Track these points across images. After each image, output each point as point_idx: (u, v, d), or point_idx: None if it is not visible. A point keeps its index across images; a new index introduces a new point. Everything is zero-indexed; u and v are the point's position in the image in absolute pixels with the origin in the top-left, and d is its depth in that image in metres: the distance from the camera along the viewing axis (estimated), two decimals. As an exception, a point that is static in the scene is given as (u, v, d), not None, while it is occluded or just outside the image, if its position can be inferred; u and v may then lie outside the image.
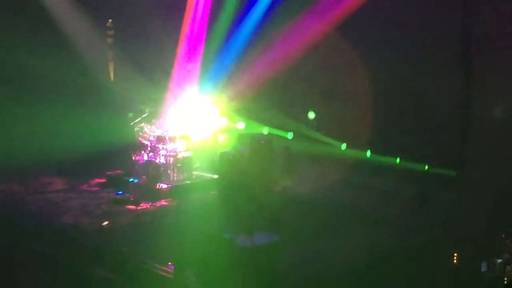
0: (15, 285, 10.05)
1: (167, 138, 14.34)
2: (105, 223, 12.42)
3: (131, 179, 14.09)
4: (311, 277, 10.48)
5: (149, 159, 14.27)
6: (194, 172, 14.53)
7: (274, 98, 15.33)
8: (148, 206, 13.36)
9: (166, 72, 15.89)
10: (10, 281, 10.06)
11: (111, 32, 16.10)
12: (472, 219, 12.23)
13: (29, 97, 14.67)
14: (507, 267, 10.28)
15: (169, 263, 10.55)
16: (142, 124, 15.02)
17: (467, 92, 14.17)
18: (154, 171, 14.15)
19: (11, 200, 13.36)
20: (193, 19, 15.50)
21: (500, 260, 10.36)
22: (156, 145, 14.31)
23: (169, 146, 14.34)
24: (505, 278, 9.94)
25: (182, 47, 15.77)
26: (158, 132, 14.58)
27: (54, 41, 15.16)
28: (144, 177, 14.07)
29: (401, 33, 14.51)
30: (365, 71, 14.79)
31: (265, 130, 14.74)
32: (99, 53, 16.17)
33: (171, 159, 14.27)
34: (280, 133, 14.84)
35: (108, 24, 16.02)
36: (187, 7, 15.47)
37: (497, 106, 13.79)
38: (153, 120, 15.08)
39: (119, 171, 14.63)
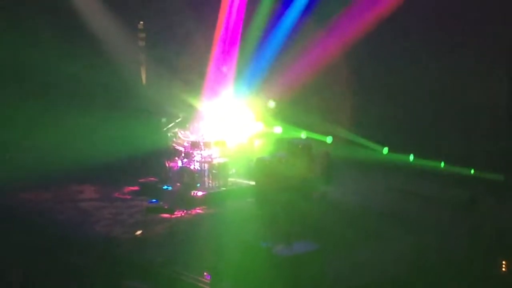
0: None
1: (201, 143, 14.27)
2: (139, 232, 12.26)
3: (165, 187, 14.11)
4: (355, 283, 10.42)
5: (184, 165, 14.23)
6: (230, 179, 14.47)
7: (312, 101, 15.27)
8: (183, 214, 13.25)
9: (200, 75, 15.81)
10: None
11: (143, 35, 16.16)
12: None
13: (60, 102, 14.62)
14: None
15: (205, 273, 10.44)
16: (176, 130, 14.90)
17: None
18: (189, 178, 14.12)
19: (41, 209, 13.26)
20: (228, 19, 15.44)
21: None
22: (191, 151, 14.25)
23: (204, 152, 14.28)
24: None
25: (216, 49, 15.68)
26: (192, 138, 14.52)
27: (85, 45, 15.22)
28: (178, 184, 14.07)
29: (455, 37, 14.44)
30: (409, 72, 14.74)
31: (303, 135, 14.59)
32: (131, 56, 16.27)
33: (206, 165, 14.22)
34: (319, 137, 14.74)
35: (139, 26, 16.06)
36: (221, 7, 15.40)
37: None
38: (187, 125, 15.00)
39: (152, 178, 14.61)
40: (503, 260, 10.56)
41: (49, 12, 15.23)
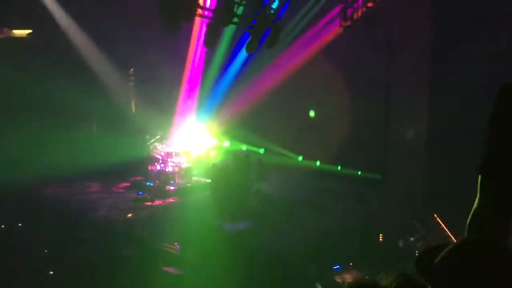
0: (63, 259, 10.52)
1: (173, 153, 14.84)
2: (129, 215, 12.94)
3: (148, 183, 14.62)
4: (275, 251, 10.95)
5: (161, 169, 14.68)
6: (193, 178, 14.90)
7: (250, 123, 15.26)
8: (161, 202, 13.80)
9: (173, 105, 16.34)
10: (60, 257, 10.62)
11: (132, 78, 16.42)
12: (393, 210, 12.58)
13: (75, 124, 14.80)
14: (418, 243, 10.83)
15: (176, 244, 11.10)
16: (156, 144, 15.42)
17: (388, 119, 14.29)
18: (165, 177, 14.59)
19: (61, 199, 13.76)
20: (192, 68, 16.09)
21: (413, 238, 11.09)
22: (166, 159, 14.72)
23: (175, 159, 14.76)
24: (416, 252, 10.23)
25: (184, 88, 16.31)
26: (167, 149, 15.01)
27: (90, 82, 15.41)
28: (157, 181, 14.56)
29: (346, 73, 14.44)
30: (316, 103, 15.05)
31: (244, 147, 14.99)
32: (124, 92, 16.45)
33: (177, 168, 14.67)
34: (255, 149, 15.07)
35: (130, 72, 16.31)
36: (187, 58, 16.00)
37: (408, 129, 13.87)
38: (163, 141, 15.49)
39: (139, 178, 15.00)
40: (380, 234, 11.61)
41: (62, 61, 15.49)
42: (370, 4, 12.31)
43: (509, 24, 11.13)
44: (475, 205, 2.70)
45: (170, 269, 10.31)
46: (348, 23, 12.59)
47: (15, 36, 16.28)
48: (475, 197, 2.73)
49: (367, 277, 9.85)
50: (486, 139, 2.67)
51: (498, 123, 2.68)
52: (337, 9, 12.92)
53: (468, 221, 2.66)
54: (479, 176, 2.68)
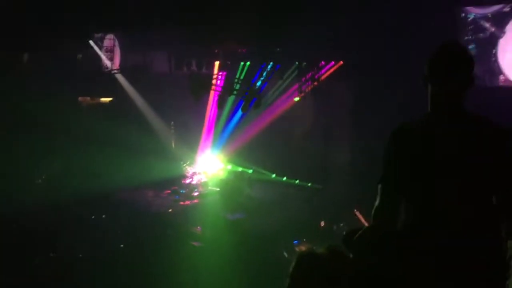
0: (133, 237, 10.28)
1: (197, 172, 14.93)
2: (170, 210, 12.89)
3: (181, 191, 14.37)
4: (258, 232, 10.90)
5: (189, 182, 14.66)
6: (209, 188, 14.71)
7: (245, 154, 15.13)
8: (189, 203, 13.63)
9: (197, 143, 16.19)
10: (132, 235, 10.39)
11: (173, 127, 16.43)
12: (330, 207, 12.37)
13: (136, 153, 14.30)
14: (345, 227, 10.31)
15: (198, 226, 11.36)
16: (186, 166, 15.44)
17: (326, 148, 13.92)
18: (191, 187, 14.47)
19: (130, 200, 13.53)
20: (209, 121, 16.14)
21: (342, 224, 10.80)
22: (192, 176, 14.80)
23: (198, 176, 14.82)
24: (344, 232, 10.16)
25: (204, 133, 16.23)
26: (193, 170, 15.12)
27: (147, 130, 15.46)
28: (187, 189, 14.39)
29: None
30: (283, 140, 14.63)
31: (240, 169, 14.84)
32: (167, 135, 16.46)
33: (199, 182, 14.70)
34: (247, 170, 14.89)
35: (171, 124, 16.39)
36: (206, 115, 16.04)
37: (340, 153, 13.64)
38: (191, 164, 15.52)
39: (176, 187, 14.75)
40: (322, 221, 11.46)
41: (130, 116, 15.68)
42: (315, 83, 12.53)
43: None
44: (376, 204, 2.75)
45: (195, 243, 10.46)
46: (302, 94, 12.88)
47: (102, 101, 16.53)
48: (376, 199, 2.77)
49: (314, 247, 9.88)
50: (383, 164, 2.73)
51: (388, 155, 2.71)
52: (295, 86, 13.07)
53: (372, 214, 2.74)
54: (379, 185, 2.74)
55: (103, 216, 11.91)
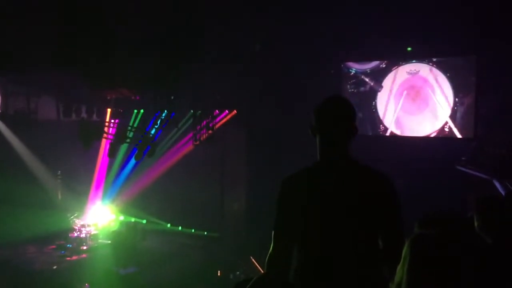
0: None
1: (86, 225, 13.96)
2: (55, 267, 12.06)
3: (68, 245, 13.49)
4: (155, 286, 10.65)
5: (77, 235, 13.68)
6: (99, 241, 14.07)
7: (138, 204, 14.83)
8: (77, 257, 12.95)
9: (86, 194, 15.55)
10: None
11: (60, 177, 15.60)
12: (227, 255, 12.44)
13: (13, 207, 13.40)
14: (241, 276, 10.55)
15: (87, 284, 10.55)
16: (74, 219, 14.48)
17: (222, 198, 14.16)
18: (79, 241, 13.60)
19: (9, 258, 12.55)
20: (99, 170, 15.63)
21: (238, 272, 10.90)
22: (80, 228, 13.80)
23: (87, 229, 13.85)
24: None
25: (94, 183, 15.67)
26: (81, 222, 14.11)
27: (30, 181, 14.56)
28: (74, 244, 13.51)
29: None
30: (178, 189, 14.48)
31: (133, 219, 14.50)
32: (54, 186, 15.55)
33: (88, 234, 13.80)
34: (140, 220, 14.65)
35: (58, 173, 15.58)
36: (96, 164, 15.49)
37: (235, 203, 13.92)
38: (79, 216, 14.61)
39: (62, 242, 13.82)
40: (218, 270, 11.32)
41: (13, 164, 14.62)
42: (210, 131, 12.72)
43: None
44: (269, 251, 2.75)
45: (82, 303, 9.96)
46: (197, 142, 12.93)
47: None
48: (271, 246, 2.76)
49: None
50: (275, 212, 2.74)
51: (278, 203, 2.75)
52: (190, 134, 13.14)
53: (266, 261, 2.73)
54: (273, 232, 2.74)
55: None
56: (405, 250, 2.78)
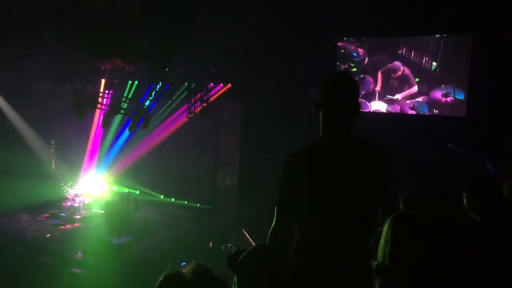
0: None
1: (79, 194, 13.97)
2: (48, 235, 12.02)
3: (62, 214, 13.54)
4: (144, 255, 10.69)
5: (71, 204, 13.70)
6: (93, 210, 14.05)
7: (132, 174, 14.80)
8: (70, 226, 12.93)
9: (80, 164, 15.45)
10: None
11: (54, 146, 15.59)
12: (219, 227, 12.58)
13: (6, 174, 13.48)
14: (232, 248, 10.63)
15: (79, 252, 10.56)
16: (68, 188, 14.51)
17: (215, 172, 14.09)
18: (73, 210, 13.63)
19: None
20: (94, 140, 15.49)
21: (230, 244, 10.94)
22: (74, 198, 13.81)
23: (80, 198, 13.88)
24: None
25: (88, 152, 15.59)
26: (75, 192, 14.12)
27: (21, 148, 14.54)
28: (68, 213, 13.53)
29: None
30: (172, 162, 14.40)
31: (126, 190, 14.42)
32: (47, 155, 15.37)
33: (81, 204, 13.79)
34: (133, 191, 14.50)
35: (52, 143, 15.49)
36: (90, 134, 15.37)
37: (227, 178, 13.84)
38: (73, 186, 14.58)
39: (56, 210, 13.91)
40: (210, 241, 11.31)
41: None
42: (204, 104, 12.59)
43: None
44: (273, 226, 2.71)
45: (76, 270, 9.74)
46: (191, 115, 12.81)
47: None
48: (272, 220, 2.72)
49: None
50: (279, 188, 2.70)
51: (281, 179, 2.72)
52: (185, 107, 13.01)
53: (268, 236, 2.68)
54: (275, 207, 2.70)
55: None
56: (386, 229, 2.77)
